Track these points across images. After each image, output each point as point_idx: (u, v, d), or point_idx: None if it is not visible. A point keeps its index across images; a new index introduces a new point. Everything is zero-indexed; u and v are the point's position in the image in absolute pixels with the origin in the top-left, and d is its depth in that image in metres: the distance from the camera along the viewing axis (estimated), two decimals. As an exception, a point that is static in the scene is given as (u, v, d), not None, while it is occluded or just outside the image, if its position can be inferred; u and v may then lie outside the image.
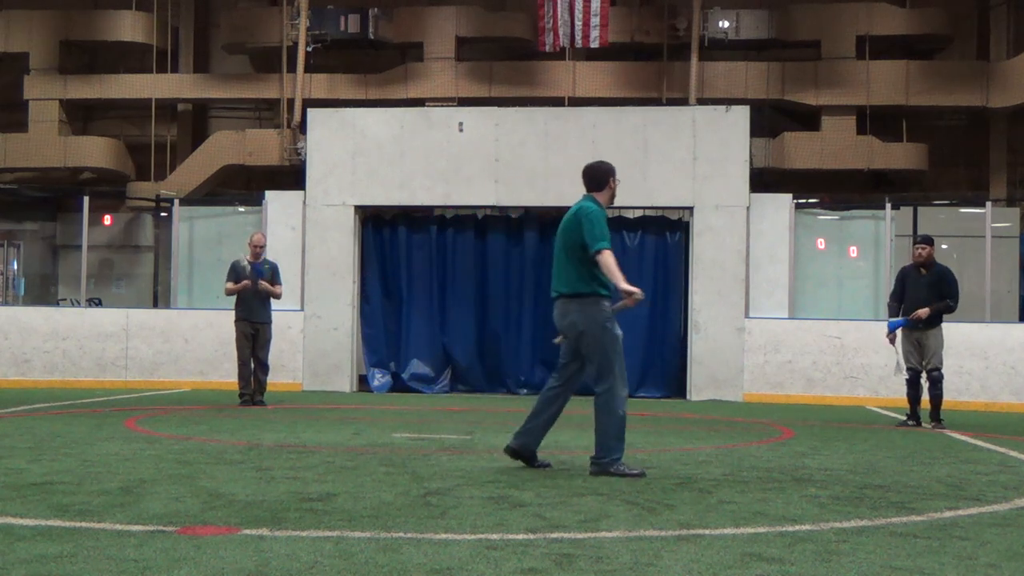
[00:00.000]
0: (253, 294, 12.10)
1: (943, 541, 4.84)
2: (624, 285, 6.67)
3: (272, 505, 5.42)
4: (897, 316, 10.90)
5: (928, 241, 10.97)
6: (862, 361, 14.59)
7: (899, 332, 10.95)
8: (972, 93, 21.64)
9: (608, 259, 6.72)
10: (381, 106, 18.56)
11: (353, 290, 15.52)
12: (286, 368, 15.11)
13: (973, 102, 21.74)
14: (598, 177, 7.11)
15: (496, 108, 16.32)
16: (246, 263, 12.22)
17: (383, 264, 15.92)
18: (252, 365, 12.16)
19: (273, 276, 12.31)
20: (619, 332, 6.89)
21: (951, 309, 10.80)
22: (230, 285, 12.13)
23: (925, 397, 10.97)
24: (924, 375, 10.92)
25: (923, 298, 10.73)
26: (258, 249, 12.34)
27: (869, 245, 15.72)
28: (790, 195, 15.68)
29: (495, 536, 4.76)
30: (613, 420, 6.85)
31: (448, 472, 6.76)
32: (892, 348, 11.26)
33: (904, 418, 11.20)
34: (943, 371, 10.91)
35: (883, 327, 12.01)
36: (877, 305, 15.17)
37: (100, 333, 15.54)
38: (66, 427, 9.34)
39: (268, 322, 12.27)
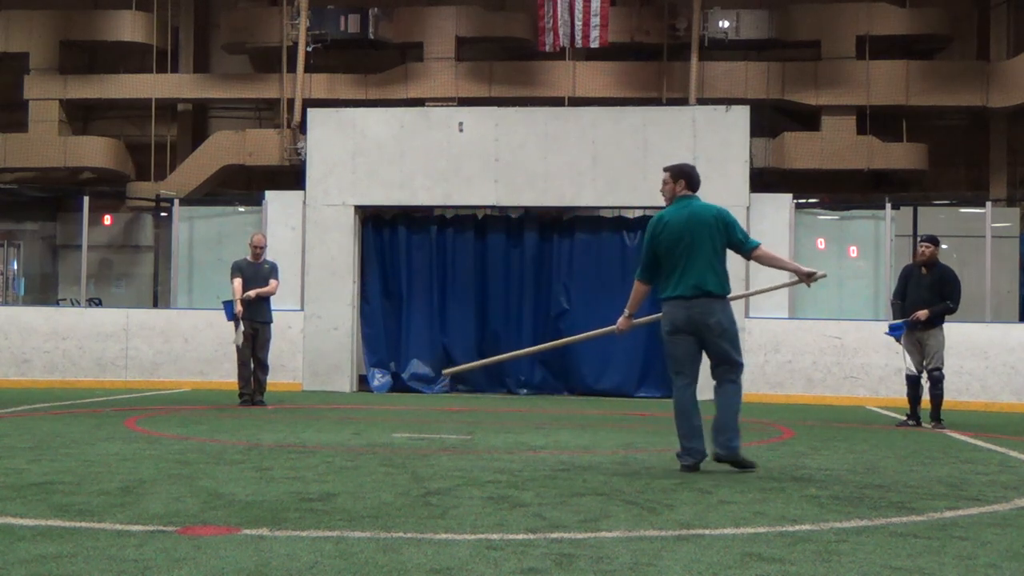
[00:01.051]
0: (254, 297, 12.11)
1: (943, 541, 4.84)
2: (804, 268, 7.28)
3: (272, 505, 5.42)
4: (900, 314, 10.88)
5: (933, 241, 10.94)
6: (862, 361, 14.59)
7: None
8: (972, 93, 21.65)
9: (769, 250, 7.34)
10: (381, 106, 18.54)
11: (353, 290, 15.51)
12: (286, 368, 15.11)
13: (973, 102, 21.75)
14: (699, 179, 7.36)
15: (496, 108, 16.31)
16: (246, 263, 12.22)
17: (383, 264, 15.91)
18: (252, 365, 12.16)
19: (271, 275, 12.30)
20: None
21: (951, 310, 10.79)
22: (236, 286, 12.07)
23: (925, 397, 10.97)
24: (925, 375, 10.92)
25: (924, 298, 10.72)
26: (258, 250, 12.32)
27: (869, 245, 15.72)
28: (790, 195, 15.67)
29: (495, 536, 4.76)
30: (739, 407, 7.12)
31: (448, 472, 6.76)
32: (897, 346, 11.25)
33: (904, 418, 11.20)
34: (944, 371, 10.91)
35: (882, 327, 12.02)
36: (877, 305, 15.18)
37: (100, 333, 15.54)
38: (66, 427, 9.34)
39: (268, 322, 12.26)
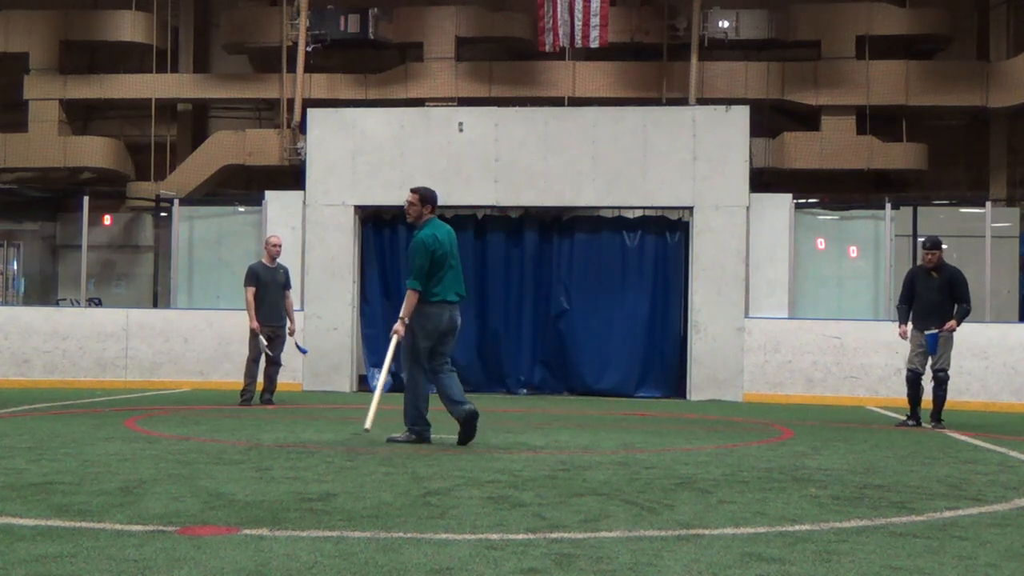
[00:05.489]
0: (273, 300, 12.29)
1: (943, 541, 4.84)
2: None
3: (272, 505, 5.42)
4: (907, 319, 10.90)
5: (937, 246, 10.93)
6: (862, 361, 14.58)
7: (909, 328, 10.92)
8: (972, 93, 21.64)
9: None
10: (381, 106, 18.54)
11: (353, 290, 15.51)
12: (286, 368, 15.02)
13: (973, 102, 21.73)
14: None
15: (496, 108, 16.31)
16: (263, 267, 12.37)
17: (383, 264, 15.91)
18: (262, 363, 12.32)
19: (285, 281, 12.56)
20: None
21: (968, 312, 10.85)
22: (249, 297, 12.16)
23: (927, 397, 10.97)
24: (929, 375, 10.92)
25: (935, 301, 10.74)
26: (276, 249, 12.52)
27: (869, 245, 15.71)
28: (790, 195, 15.66)
29: (495, 536, 4.76)
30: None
31: (448, 472, 6.76)
32: (897, 346, 11.22)
33: (904, 418, 11.20)
34: (949, 372, 10.91)
35: (882, 327, 12.00)
36: (877, 305, 15.17)
37: (100, 333, 15.53)
38: (66, 427, 9.34)
39: (283, 324, 12.52)
